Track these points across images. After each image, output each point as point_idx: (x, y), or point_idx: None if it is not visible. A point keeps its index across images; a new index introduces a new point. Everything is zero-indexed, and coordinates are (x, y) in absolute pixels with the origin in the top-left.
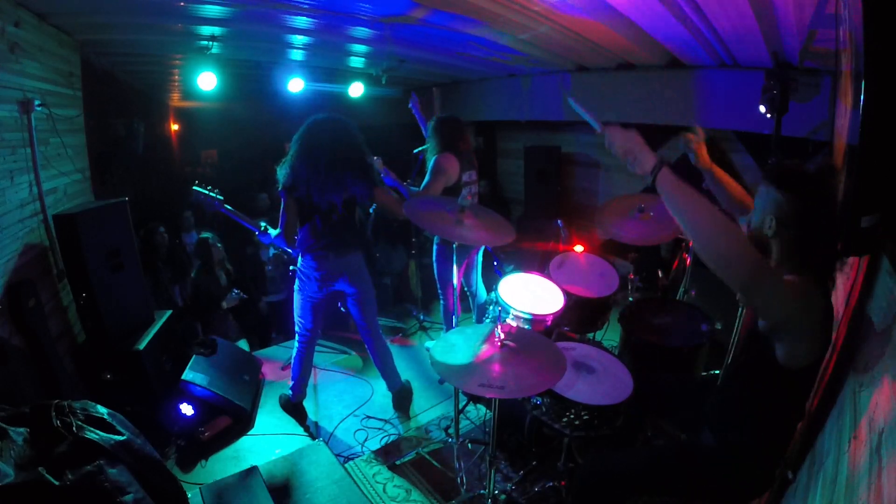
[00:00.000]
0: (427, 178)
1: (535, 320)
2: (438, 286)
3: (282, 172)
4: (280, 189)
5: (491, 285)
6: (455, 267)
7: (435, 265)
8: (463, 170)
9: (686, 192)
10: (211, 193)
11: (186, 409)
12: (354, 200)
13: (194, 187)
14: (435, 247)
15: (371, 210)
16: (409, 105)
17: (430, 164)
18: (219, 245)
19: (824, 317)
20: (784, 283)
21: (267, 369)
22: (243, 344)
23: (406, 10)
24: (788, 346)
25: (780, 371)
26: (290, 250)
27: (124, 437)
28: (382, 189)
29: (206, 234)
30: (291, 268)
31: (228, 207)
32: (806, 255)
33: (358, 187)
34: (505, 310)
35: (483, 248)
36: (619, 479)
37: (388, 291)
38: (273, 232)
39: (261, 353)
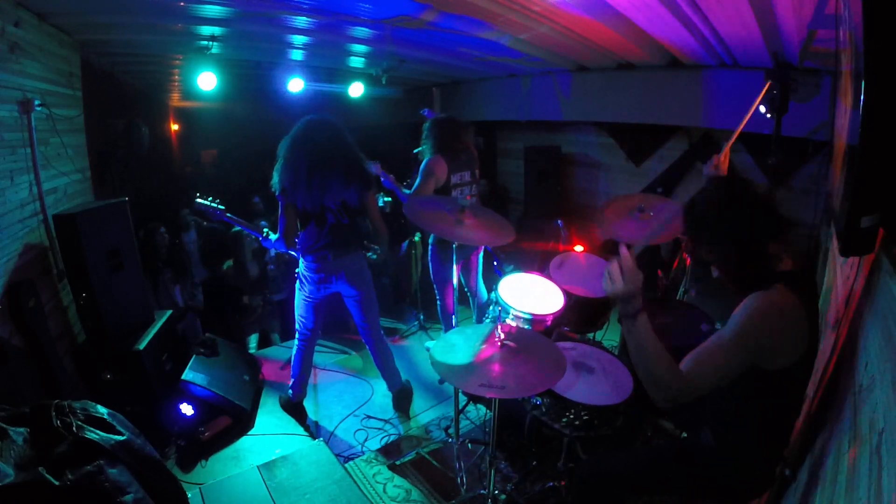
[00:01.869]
0: (417, 180)
1: (535, 320)
2: (435, 287)
3: (275, 177)
4: (277, 193)
5: (491, 285)
6: (455, 267)
7: (430, 266)
8: (453, 171)
9: (650, 336)
10: (213, 204)
11: (186, 409)
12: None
13: (196, 199)
14: (430, 248)
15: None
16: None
17: (422, 166)
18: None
19: (786, 329)
20: (712, 368)
21: (267, 369)
22: (275, 337)
23: (406, 11)
24: (762, 361)
25: (764, 373)
26: (292, 252)
27: (124, 437)
28: (373, 197)
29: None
30: (297, 271)
31: (231, 216)
32: (734, 268)
33: (348, 192)
34: (505, 310)
35: (483, 248)
36: (620, 478)
37: (388, 291)
38: (273, 236)
39: (261, 353)
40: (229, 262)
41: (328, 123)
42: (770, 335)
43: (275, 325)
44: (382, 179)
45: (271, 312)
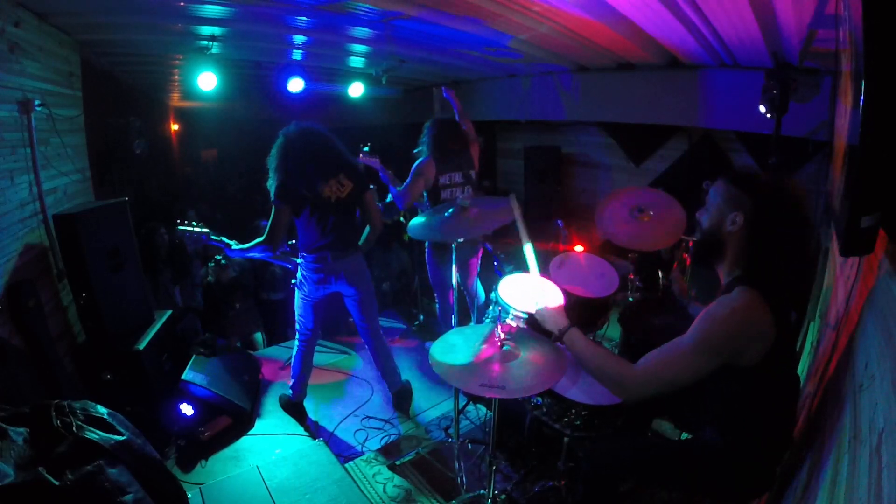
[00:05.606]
0: (408, 179)
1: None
2: (434, 289)
3: (274, 183)
4: (274, 198)
5: (491, 285)
6: (455, 268)
7: (428, 269)
8: (441, 172)
9: (588, 344)
10: (196, 229)
11: (186, 409)
12: (352, 200)
13: (178, 227)
14: (427, 251)
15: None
16: (445, 95)
17: (413, 166)
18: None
19: (752, 329)
20: (670, 370)
21: (267, 369)
22: (259, 337)
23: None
24: (734, 360)
25: (739, 370)
26: (277, 261)
27: (124, 437)
28: (372, 194)
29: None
30: (293, 281)
31: (215, 238)
32: (752, 263)
33: (349, 191)
34: (505, 310)
35: (482, 249)
36: (626, 465)
37: (388, 296)
38: (250, 244)
39: (261, 353)
40: (211, 266)
41: (317, 129)
42: (737, 338)
43: (257, 328)
44: (381, 174)
45: (251, 320)
